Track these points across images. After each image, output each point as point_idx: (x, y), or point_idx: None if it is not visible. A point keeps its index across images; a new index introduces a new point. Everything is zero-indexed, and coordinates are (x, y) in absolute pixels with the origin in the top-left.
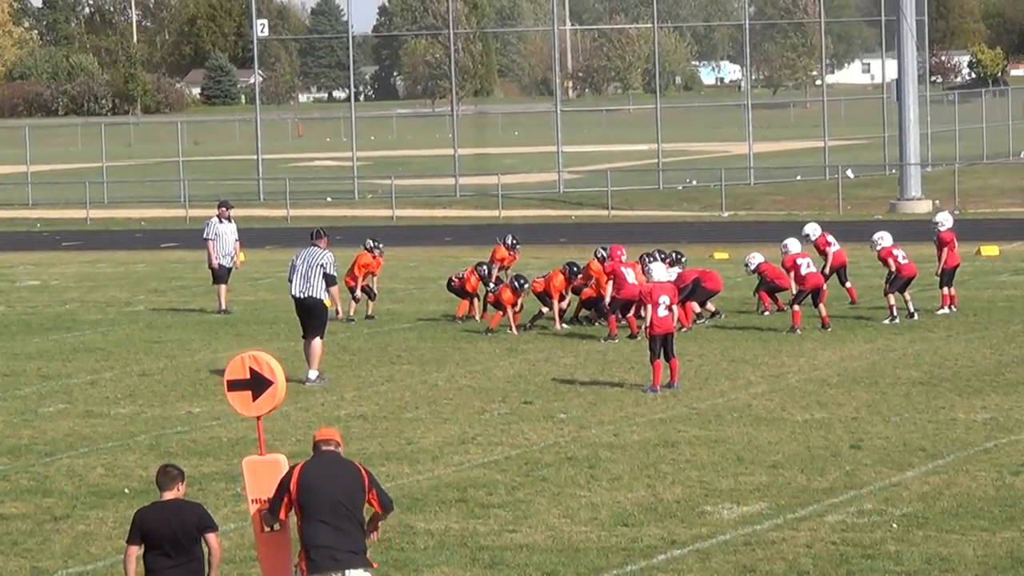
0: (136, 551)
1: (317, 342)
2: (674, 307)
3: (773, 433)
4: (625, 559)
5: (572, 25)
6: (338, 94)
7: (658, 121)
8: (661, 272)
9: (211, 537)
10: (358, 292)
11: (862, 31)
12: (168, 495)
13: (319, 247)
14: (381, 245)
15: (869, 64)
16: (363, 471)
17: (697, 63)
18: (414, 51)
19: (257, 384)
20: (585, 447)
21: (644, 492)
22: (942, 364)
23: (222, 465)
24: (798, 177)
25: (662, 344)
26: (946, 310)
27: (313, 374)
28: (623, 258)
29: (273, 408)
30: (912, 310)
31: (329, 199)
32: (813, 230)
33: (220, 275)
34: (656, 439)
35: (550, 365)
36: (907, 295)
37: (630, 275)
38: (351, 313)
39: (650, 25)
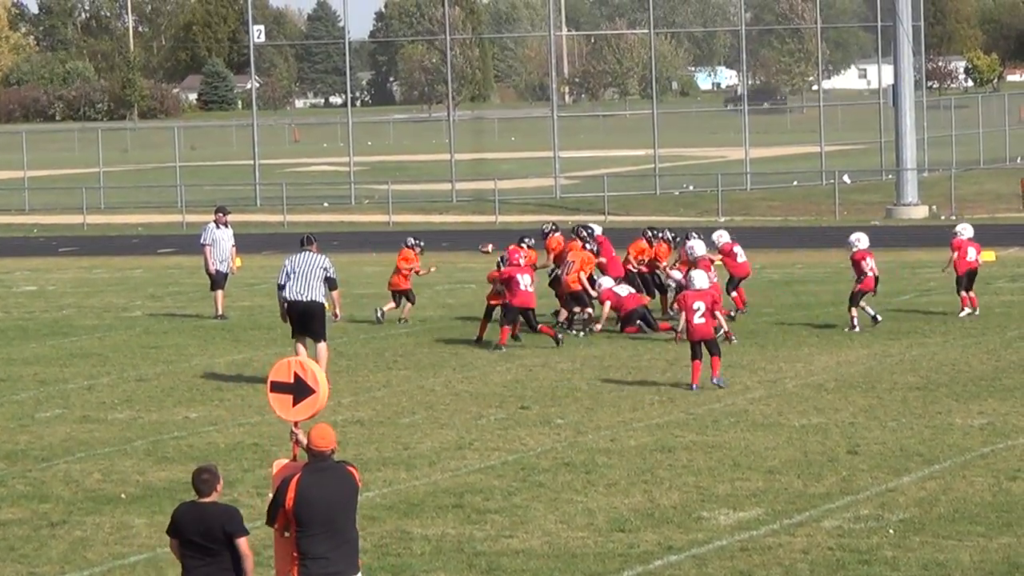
0: (176, 542)
1: (323, 346)
2: (716, 312)
3: (770, 438)
4: (622, 565)
5: (569, 30)
6: (335, 99)
7: (655, 126)
8: (703, 280)
9: (241, 542)
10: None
11: (858, 37)
12: (205, 499)
13: (312, 251)
14: (422, 243)
15: (865, 69)
16: (357, 477)
17: (693, 68)
18: (411, 56)
19: (299, 390)
20: (582, 452)
21: (641, 498)
22: (939, 369)
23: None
24: (795, 183)
25: (703, 345)
26: (968, 310)
27: None
28: (520, 260)
29: (311, 416)
30: (874, 313)
31: (326, 204)
32: (718, 237)
33: (217, 281)
34: (653, 444)
35: (547, 370)
36: (864, 304)
37: (524, 281)
38: (379, 316)
39: (647, 31)
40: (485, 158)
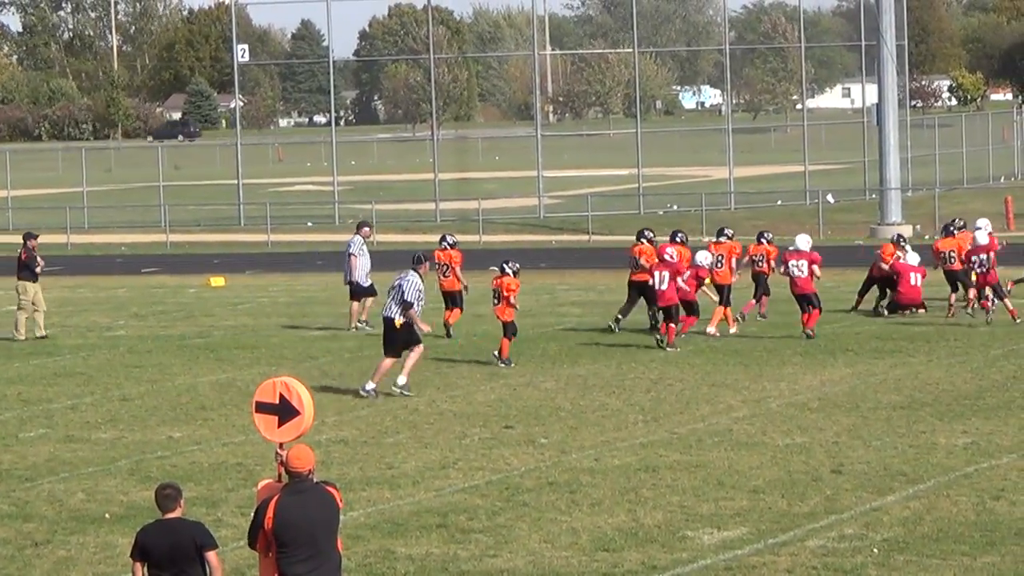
0: (140, 567)
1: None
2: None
3: (754, 458)
4: None
5: (553, 50)
6: (319, 119)
7: (639, 146)
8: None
9: (211, 556)
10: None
11: (842, 56)
12: (170, 515)
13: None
14: (452, 239)
15: (849, 88)
16: (338, 497)
17: (678, 88)
18: (395, 76)
19: (284, 411)
20: (566, 472)
21: (625, 517)
22: (923, 388)
23: (202, 490)
24: (779, 202)
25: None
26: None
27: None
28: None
29: (296, 438)
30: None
31: (310, 224)
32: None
33: (356, 292)
34: (637, 464)
35: (531, 389)
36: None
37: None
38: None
39: (631, 50)
40: (469, 177)
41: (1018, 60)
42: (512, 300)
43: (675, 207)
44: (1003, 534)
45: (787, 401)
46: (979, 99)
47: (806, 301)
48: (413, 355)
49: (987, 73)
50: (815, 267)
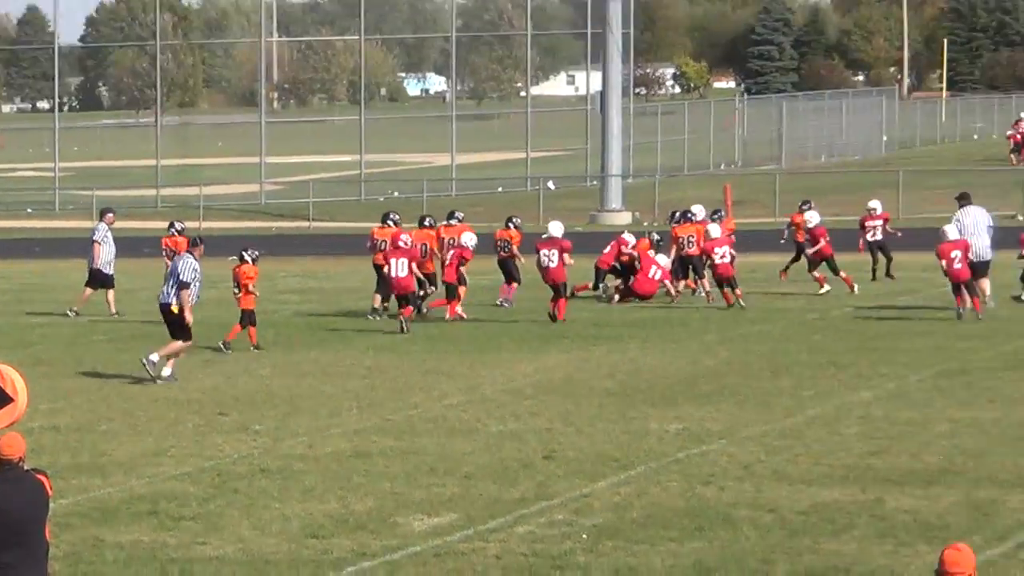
0: None
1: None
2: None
3: (467, 444)
4: (315, 571)
5: (279, 37)
6: (42, 104)
7: (362, 132)
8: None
9: None
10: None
11: (568, 44)
12: None
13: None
14: (181, 225)
15: (574, 76)
16: (48, 485)
17: (403, 75)
18: (121, 62)
19: None
20: (278, 459)
21: (336, 504)
22: (636, 375)
23: None
24: (499, 188)
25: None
26: (827, 288)
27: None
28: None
29: (10, 424)
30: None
31: (30, 210)
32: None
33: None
34: (350, 450)
35: (246, 376)
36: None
37: None
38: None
39: (357, 37)
40: (192, 164)
41: (742, 49)
42: (251, 288)
43: (396, 193)
44: (711, 519)
45: (501, 388)
46: (703, 87)
47: (557, 290)
48: (178, 344)
49: (711, 61)
50: (566, 255)
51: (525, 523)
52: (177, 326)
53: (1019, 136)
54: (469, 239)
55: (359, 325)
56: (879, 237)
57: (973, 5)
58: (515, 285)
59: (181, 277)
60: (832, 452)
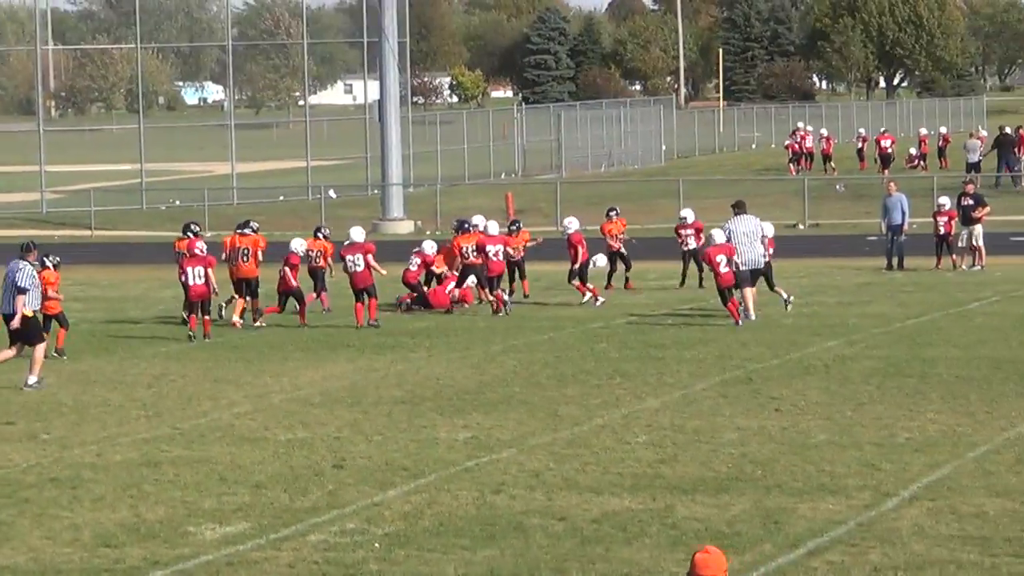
0: None
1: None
2: None
3: (256, 453)
4: None
5: (55, 45)
6: None
7: (141, 141)
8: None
9: None
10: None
11: (344, 52)
12: None
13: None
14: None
15: (352, 85)
16: None
17: (180, 83)
18: None
19: None
20: (68, 468)
21: (127, 513)
22: (424, 383)
23: None
24: (281, 197)
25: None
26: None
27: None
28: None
29: None
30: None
31: None
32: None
33: None
34: (139, 459)
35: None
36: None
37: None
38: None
39: (133, 46)
40: None
41: (518, 58)
42: (51, 293)
43: (177, 202)
44: (502, 527)
45: (289, 396)
46: (479, 96)
47: (366, 294)
48: (37, 352)
49: (487, 71)
50: (370, 257)
51: (317, 531)
52: (27, 333)
53: (796, 146)
54: (299, 245)
55: (144, 333)
56: (692, 246)
57: (747, 15)
58: (325, 293)
59: (18, 283)
60: (621, 460)
